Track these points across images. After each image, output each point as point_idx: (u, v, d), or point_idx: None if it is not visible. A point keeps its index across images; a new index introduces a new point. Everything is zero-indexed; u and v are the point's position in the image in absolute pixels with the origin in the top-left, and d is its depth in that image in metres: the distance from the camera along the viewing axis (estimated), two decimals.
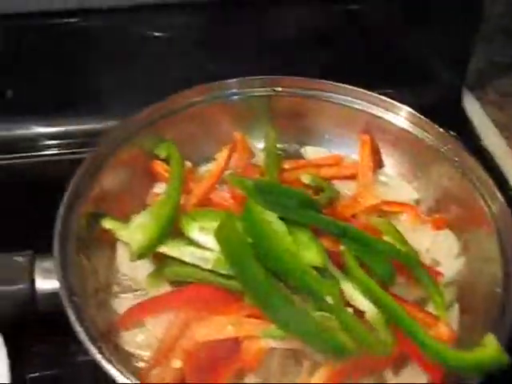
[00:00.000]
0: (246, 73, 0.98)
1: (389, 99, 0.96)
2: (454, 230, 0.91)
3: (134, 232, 0.80)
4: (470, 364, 0.68)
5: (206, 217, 0.81)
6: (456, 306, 0.83)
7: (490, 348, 0.68)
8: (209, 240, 0.78)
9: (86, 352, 0.68)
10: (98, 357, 0.67)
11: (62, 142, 1.13)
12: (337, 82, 0.98)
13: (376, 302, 0.74)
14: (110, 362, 0.67)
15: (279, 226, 0.76)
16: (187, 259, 0.78)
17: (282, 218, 0.77)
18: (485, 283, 0.82)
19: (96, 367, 0.67)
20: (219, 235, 0.75)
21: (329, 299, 0.72)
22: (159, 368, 0.74)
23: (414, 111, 0.95)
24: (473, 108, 1.19)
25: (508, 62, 1.31)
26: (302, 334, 0.69)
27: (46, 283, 0.76)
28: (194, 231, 0.80)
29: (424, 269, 0.80)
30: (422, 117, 0.94)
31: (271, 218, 0.76)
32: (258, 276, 0.71)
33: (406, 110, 0.96)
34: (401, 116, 0.96)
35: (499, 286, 0.78)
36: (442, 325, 0.78)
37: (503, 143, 1.12)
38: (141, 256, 0.78)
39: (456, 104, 1.19)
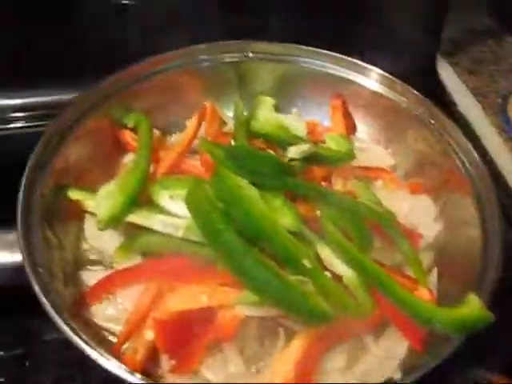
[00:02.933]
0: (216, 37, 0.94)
1: (360, 62, 0.94)
2: (431, 193, 0.90)
3: (100, 201, 0.77)
4: (454, 321, 0.67)
5: (175, 184, 0.78)
6: (435, 271, 0.81)
7: (473, 306, 0.67)
8: (179, 207, 0.76)
9: (51, 329, 0.65)
10: (65, 328, 0.64)
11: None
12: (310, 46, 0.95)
13: (354, 265, 0.72)
14: (76, 333, 0.64)
15: (251, 191, 0.73)
16: (157, 227, 0.75)
17: (254, 184, 0.74)
18: (463, 246, 0.81)
19: (62, 345, 0.65)
20: (189, 201, 0.72)
21: (306, 263, 0.69)
22: (132, 340, 0.71)
23: (385, 73, 0.93)
24: (447, 74, 1.18)
25: (481, 29, 1.29)
26: (278, 299, 0.67)
27: (9, 257, 0.73)
28: (164, 199, 0.77)
29: (401, 230, 0.79)
30: (394, 78, 0.92)
31: (242, 184, 0.73)
32: (230, 240, 0.68)
33: (377, 72, 0.94)
34: (372, 78, 0.94)
35: (478, 247, 0.76)
36: (422, 288, 0.76)
37: (477, 107, 1.11)
38: (108, 225, 0.76)
39: (431, 70, 1.17)
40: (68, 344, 0.64)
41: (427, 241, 0.84)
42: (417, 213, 0.87)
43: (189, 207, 0.72)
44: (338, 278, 0.72)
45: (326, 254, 0.73)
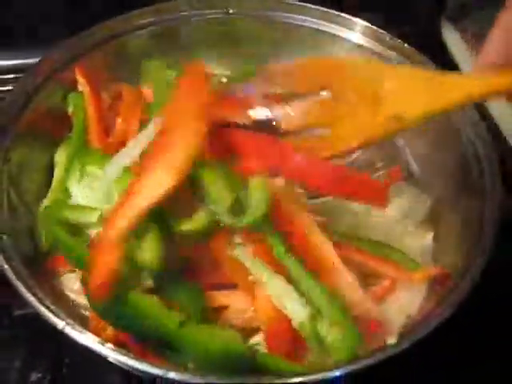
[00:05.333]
0: None
1: (344, 14, 0.87)
2: None
3: None
4: None
5: None
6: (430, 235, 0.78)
7: None
8: None
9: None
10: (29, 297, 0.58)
11: None
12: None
13: None
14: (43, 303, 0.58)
15: None
16: None
17: None
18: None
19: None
20: None
21: None
22: None
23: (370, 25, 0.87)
24: (452, 38, 1.13)
25: None
26: None
27: None
28: None
29: None
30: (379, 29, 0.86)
31: None
32: None
33: (361, 24, 0.87)
34: (357, 31, 0.87)
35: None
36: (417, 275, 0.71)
37: None
38: None
39: (436, 34, 1.13)
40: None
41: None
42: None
43: None
44: None
45: None
